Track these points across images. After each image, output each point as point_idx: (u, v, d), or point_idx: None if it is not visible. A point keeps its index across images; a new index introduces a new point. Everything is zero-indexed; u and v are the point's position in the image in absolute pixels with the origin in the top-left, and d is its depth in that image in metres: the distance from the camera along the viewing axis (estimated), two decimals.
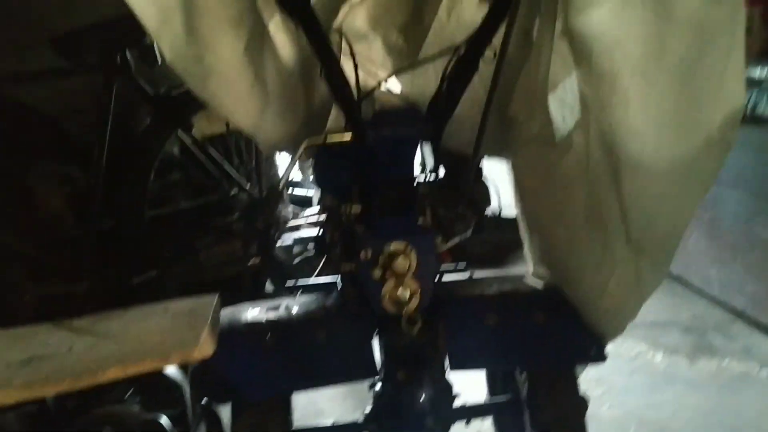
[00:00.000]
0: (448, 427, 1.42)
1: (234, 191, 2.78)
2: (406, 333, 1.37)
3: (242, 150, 2.89)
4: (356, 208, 1.47)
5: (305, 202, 3.61)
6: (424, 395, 1.40)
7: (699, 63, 1.13)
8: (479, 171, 1.81)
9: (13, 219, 2.53)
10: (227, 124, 2.80)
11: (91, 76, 2.58)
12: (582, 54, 1.16)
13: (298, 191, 3.75)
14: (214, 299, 1.13)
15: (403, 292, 1.37)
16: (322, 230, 1.83)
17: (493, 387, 1.85)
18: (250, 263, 2.77)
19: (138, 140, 2.60)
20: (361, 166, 1.45)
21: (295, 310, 1.55)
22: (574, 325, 1.51)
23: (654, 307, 3.00)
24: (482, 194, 1.87)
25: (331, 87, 1.24)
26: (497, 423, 1.89)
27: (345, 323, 1.49)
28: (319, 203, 1.82)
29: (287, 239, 3.18)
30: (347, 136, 1.38)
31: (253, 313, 1.53)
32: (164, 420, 1.53)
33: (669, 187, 1.23)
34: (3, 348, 1.01)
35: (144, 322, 1.10)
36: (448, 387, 1.43)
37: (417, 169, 1.63)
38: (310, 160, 1.82)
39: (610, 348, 2.41)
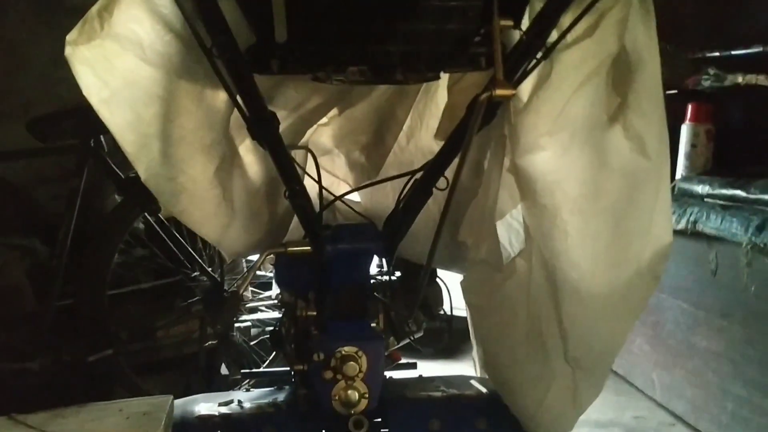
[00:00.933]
0: None
1: (196, 273, 2.83)
2: None
3: None
4: (311, 313, 1.55)
5: (264, 285, 3.67)
6: None
7: (630, 205, 1.25)
8: (433, 273, 1.90)
9: None
10: None
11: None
12: (526, 189, 1.28)
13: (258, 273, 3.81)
14: (168, 400, 1.18)
15: (353, 394, 1.44)
16: (278, 324, 1.90)
17: None
18: (206, 344, 2.80)
19: (104, 220, 2.66)
20: (318, 275, 1.53)
21: (247, 405, 1.60)
22: None
23: (598, 405, 3.11)
24: (435, 296, 1.96)
25: (294, 205, 1.33)
26: None
27: (295, 423, 1.54)
28: (277, 298, 1.90)
29: (245, 321, 3.23)
30: (306, 247, 1.47)
31: (206, 406, 1.58)
32: None
33: (604, 312, 1.34)
34: None
35: (99, 422, 1.14)
36: None
37: (372, 275, 1.73)
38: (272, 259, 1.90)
39: None
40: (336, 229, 1.50)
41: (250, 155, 1.45)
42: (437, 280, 1.93)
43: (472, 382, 1.76)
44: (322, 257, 1.46)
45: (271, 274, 3.70)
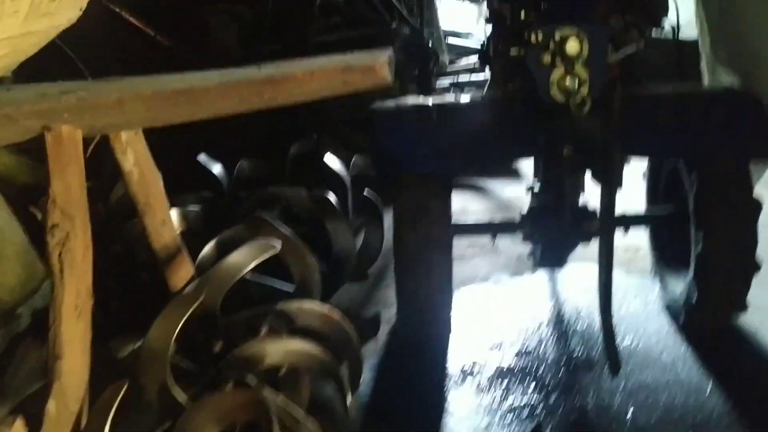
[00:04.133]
0: (620, 177, 1.39)
1: (395, 23, 2.78)
2: (574, 114, 1.34)
3: None
4: None
5: (463, 52, 3.58)
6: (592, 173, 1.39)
7: None
8: None
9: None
10: None
11: None
12: None
13: (457, 41, 3.72)
14: (388, 50, 1.15)
15: (572, 81, 1.34)
16: (485, 43, 1.81)
17: (653, 199, 1.80)
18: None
19: None
20: None
21: (460, 98, 1.57)
22: (754, 122, 1.43)
23: None
24: (659, 3, 1.76)
25: None
26: (654, 238, 1.85)
27: (508, 108, 1.49)
28: (486, 10, 1.78)
29: (445, 83, 3.19)
30: None
31: (420, 99, 1.57)
32: (332, 196, 1.61)
33: None
34: None
35: (324, 60, 1.14)
36: (621, 162, 1.39)
37: None
38: None
39: None
40: None
41: None
42: None
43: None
44: None
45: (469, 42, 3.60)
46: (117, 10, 2.27)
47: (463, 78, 3.18)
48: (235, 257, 1.26)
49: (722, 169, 1.47)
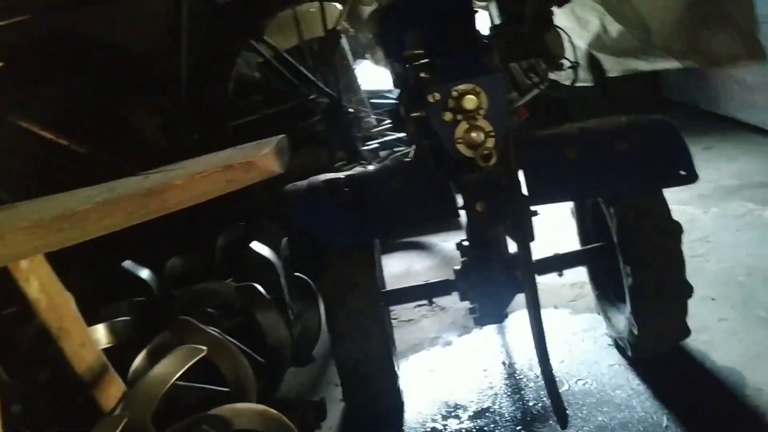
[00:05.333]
0: (531, 231, 1.38)
1: (313, 95, 2.79)
2: (482, 167, 1.33)
3: (317, 57, 2.89)
4: (418, 52, 1.44)
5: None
6: (504, 227, 1.38)
7: None
8: (547, 16, 1.72)
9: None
10: (299, 34, 2.82)
11: None
12: None
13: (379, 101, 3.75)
14: (279, 136, 1.13)
15: (477, 134, 1.34)
16: (395, 105, 1.82)
17: (585, 235, 1.80)
18: (336, 166, 2.79)
19: (212, 53, 2.64)
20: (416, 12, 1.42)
21: (371, 168, 1.56)
22: (661, 147, 1.45)
23: (760, 170, 2.86)
24: (555, 42, 1.79)
25: None
26: (592, 274, 1.85)
27: (420, 171, 1.48)
28: (391, 75, 1.80)
29: (372, 144, 3.19)
30: None
31: (329, 174, 1.55)
32: (258, 286, 1.58)
33: None
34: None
35: (211, 158, 1.12)
36: (529, 215, 1.38)
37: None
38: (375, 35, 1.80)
39: (715, 209, 2.32)
40: None
41: None
42: (555, 25, 1.75)
43: (611, 117, 1.62)
44: None
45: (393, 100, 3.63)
46: (26, 125, 2.24)
47: (391, 137, 3.19)
48: (161, 368, 1.22)
49: (637, 201, 1.47)
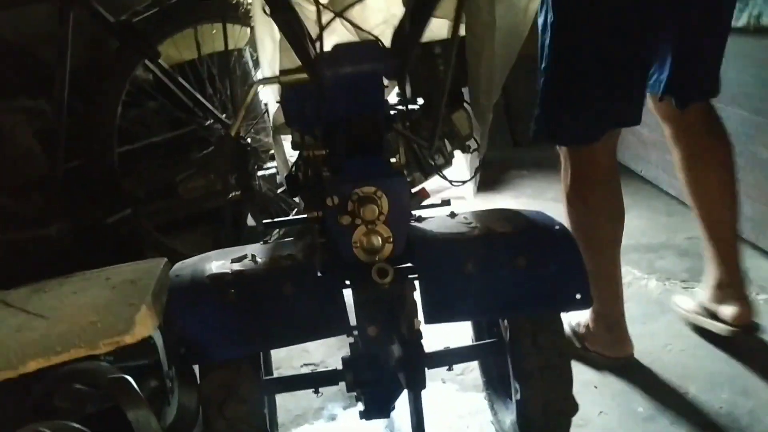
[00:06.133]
0: (423, 380, 1.33)
1: (209, 122, 2.64)
2: (378, 285, 1.27)
3: (215, 78, 2.74)
4: (320, 151, 1.36)
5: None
6: (395, 351, 1.32)
7: None
8: (458, 96, 1.67)
9: None
10: (198, 50, 2.66)
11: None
12: None
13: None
14: (160, 264, 1.03)
15: (375, 239, 1.28)
16: (294, 168, 1.72)
17: (478, 331, 1.77)
18: (230, 196, 2.66)
19: (102, 72, 2.45)
20: (320, 106, 1.33)
21: (261, 260, 1.45)
22: (558, 269, 1.42)
23: (649, 229, 2.94)
24: (461, 122, 1.74)
25: (276, 20, 1.11)
26: (483, 366, 1.83)
27: (314, 275, 1.39)
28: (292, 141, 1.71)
29: (269, 169, 3.07)
30: (302, 74, 1.26)
31: (216, 264, 1.44)
32: (131, 380, 1.46)
33: None
34: None
35: (81, 294, 1.00)
36: (419, 343, 1.33)
37: (387, 104, 1.52)
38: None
39: None
40: (334, 51, 1.27)
41: None
42: (464, 104, 1.70)
43: (510, 213, 1.59)
44: (322, 84, 1.24)
45: None
46: None
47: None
48: None
49: (530, 321, 1.45)
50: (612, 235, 1.99)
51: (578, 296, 1.40)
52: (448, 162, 1.73)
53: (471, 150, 1.70)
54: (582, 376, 1.96)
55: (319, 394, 1.72)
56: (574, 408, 1.50)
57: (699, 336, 2.15)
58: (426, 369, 1.37)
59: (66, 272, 1.86)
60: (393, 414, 1.87)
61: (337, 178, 1.30)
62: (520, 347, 1.47)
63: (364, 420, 1.62)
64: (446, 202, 1.74)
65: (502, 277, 1.40)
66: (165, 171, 2.65)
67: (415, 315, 1.34)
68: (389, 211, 1.28)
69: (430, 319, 1.35)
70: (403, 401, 1.50)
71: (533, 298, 1.41)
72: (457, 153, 1.69)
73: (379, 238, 1.29)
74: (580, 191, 1.95)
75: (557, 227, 1.50)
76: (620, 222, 1.98)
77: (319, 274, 1.39)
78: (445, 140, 1.68)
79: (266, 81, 1.29)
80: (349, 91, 1.27)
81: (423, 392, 1.33)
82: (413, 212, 1.59)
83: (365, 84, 1.28)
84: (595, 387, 1.94)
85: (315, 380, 1.64)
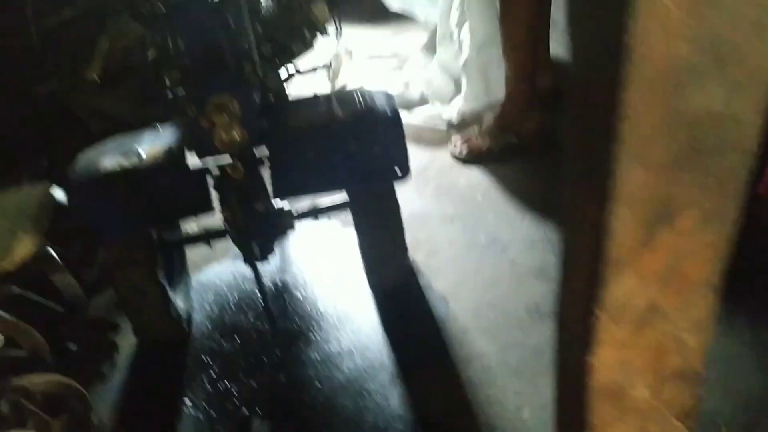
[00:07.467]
0: (269, 249, 1.77)
1: None
2: (231, 178, 1.63)
3: None
4: (176, 73, 1.62)
5: None
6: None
7: None
8: None
9: None
10: None
11: None
12: None
13: None
14: (45, 190, 1.29)
15: (229, 136, 1.57)
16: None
17: None
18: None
19: None
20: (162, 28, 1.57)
21: (144, 154, 1.76)
22: (382, 151, 1.75)
23: None
24: (321, 12, 1.97)
25: None
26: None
27: (186, 169, 1.73)
28: None
29: None
30: None
31: (109, 161, 1.75)
32: (53, 252, 1.83)
33: None
34: None
35: None
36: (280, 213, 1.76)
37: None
38: None
39: None
40: None
41: None
42: None
43: (357, 97, 1.86)
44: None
45: None
46: None
47: None
48: None
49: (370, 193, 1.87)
50: None
51: (398, 171, 1.76)
52: (308, 45, 1.96)
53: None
54: (443, 210, 2.38)
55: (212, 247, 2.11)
56: (404, 253, 1.95)
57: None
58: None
59: None
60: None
61: (193, 91, 1.59)
62: (356, 208, 1.89)
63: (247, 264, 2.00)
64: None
65: (336, 159, 1.74)
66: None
67: (267, 196, 1.71)
68: (243, 114, 1.58)
69: (278, 194, 1.72)
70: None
71: (361, 174, 1.76)
72: None
73: (236, 135, 1.58)
74: None
75: (389, 113, 1.80)
76: None
77: (188, 168, 1.73)
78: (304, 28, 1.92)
79: None
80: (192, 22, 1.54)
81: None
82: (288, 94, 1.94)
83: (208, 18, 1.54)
84: (452, 221, 2.35)
85: (207, 235, 2.03)
